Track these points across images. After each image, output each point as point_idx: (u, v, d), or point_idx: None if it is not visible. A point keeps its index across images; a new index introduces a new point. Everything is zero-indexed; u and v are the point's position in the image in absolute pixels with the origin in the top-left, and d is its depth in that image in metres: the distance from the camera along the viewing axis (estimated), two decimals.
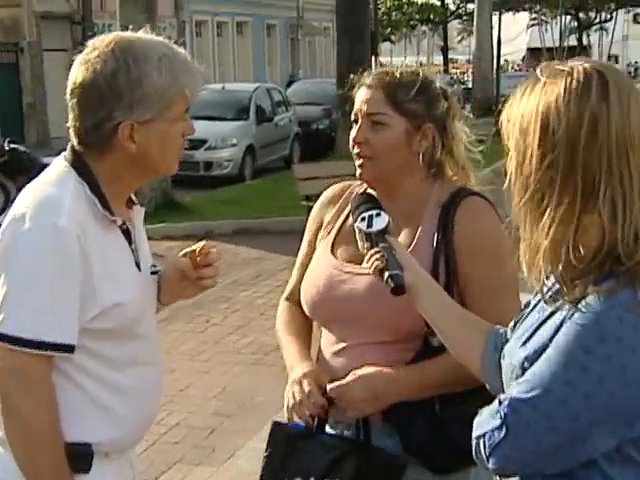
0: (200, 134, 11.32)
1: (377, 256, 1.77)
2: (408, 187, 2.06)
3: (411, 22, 51.19)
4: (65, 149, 1.90)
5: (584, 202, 1.36)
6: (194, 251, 2.02)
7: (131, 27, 1.90)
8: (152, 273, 2.01)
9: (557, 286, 1.43)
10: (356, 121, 2.06)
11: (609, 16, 52.81)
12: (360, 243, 1.84)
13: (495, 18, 28.58)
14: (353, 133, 2.04)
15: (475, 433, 1.45)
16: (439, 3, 48.57)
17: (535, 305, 1.54)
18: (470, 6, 40.77)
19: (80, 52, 1.84)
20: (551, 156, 1.36)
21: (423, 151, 2.04)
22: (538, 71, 1.43)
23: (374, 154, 2.02)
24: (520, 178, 1.41)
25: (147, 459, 4.40)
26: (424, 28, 56.71)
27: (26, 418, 1.75)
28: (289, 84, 23.13)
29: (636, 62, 61.00)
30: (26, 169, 10.73)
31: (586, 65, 1.41)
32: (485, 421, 1.44)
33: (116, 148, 1.82)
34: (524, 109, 1.41)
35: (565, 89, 1.38)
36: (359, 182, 2.12)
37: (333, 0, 18.59)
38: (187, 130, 1.88)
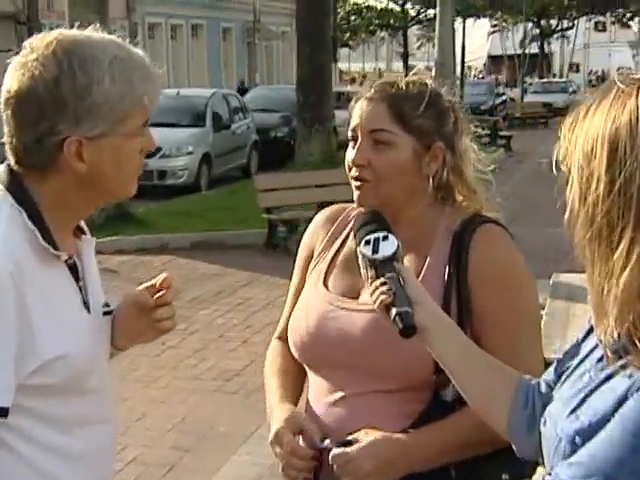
0: None
1: (383, 289, 1.53)
2: (413, 213, 1.86)
3: (370, 27, 51.43)
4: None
5: None
6: (153, 285, 1.80)
7: (77, 24, 1.66)
8: (105, 314, 1.79)
9: (624, 341, 1.19)
10: (354, 139, 1.84)
11: (571, 24, 53.65)
12: (363, 271, 1.61)
13: (457, 25, 28.71)
14: (351, 154, 1.83)
15: None
16: (399, 8, 48.83)
17: (585, 357, 1.31)
18: (431, 12, 41.03)
19: (17, 54, 1.60)
20: (621, 180, 1.14)
21: (433, 174, 1.83)
22: (610, 82, 1.22)
23: (377, 178, 1.81)
24: (584, 209, 1.20)
25: None
26: (383, 34, 57.09)
27: None
28: (240, 90, 23.02)
29: (596, 71, 62.07)
30: None
31: None
32: None
33: (61, 168, 1.59)
34: (588, 128, 1.20)
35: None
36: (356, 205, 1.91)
37: (291, 4, 18.53)
38: (146, 145, 1.67)
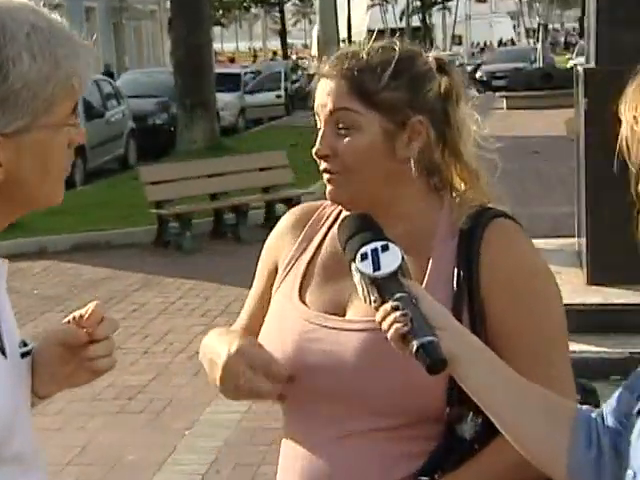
0: None
1: (396, 315, 1.32)
2: (402, 206, 1.65)
3: (244, 3, 51.34)
4: None
5: None
6: (81, 316, 1.55)
7: None
8: (23, 355, 1.53)
9: None
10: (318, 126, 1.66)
11: None
12: (362, 292, 1.40)
13: None
14: (317, 144, 1.65)
15: None
16: None
17: None
18: None
19: None
20: None
21: (415, 155, 1.60)
22: None
23: (345, 167, 1.62)
24: None
25: None
26: (257, 10, 57.13)
27: None
28: (107, 75, 22.65)
29: (478, 43, 63.84)
30: None
31: None
32: None
33: None
34: None
35: None
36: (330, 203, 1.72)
37: None
38: (76, 137, 1.44)
